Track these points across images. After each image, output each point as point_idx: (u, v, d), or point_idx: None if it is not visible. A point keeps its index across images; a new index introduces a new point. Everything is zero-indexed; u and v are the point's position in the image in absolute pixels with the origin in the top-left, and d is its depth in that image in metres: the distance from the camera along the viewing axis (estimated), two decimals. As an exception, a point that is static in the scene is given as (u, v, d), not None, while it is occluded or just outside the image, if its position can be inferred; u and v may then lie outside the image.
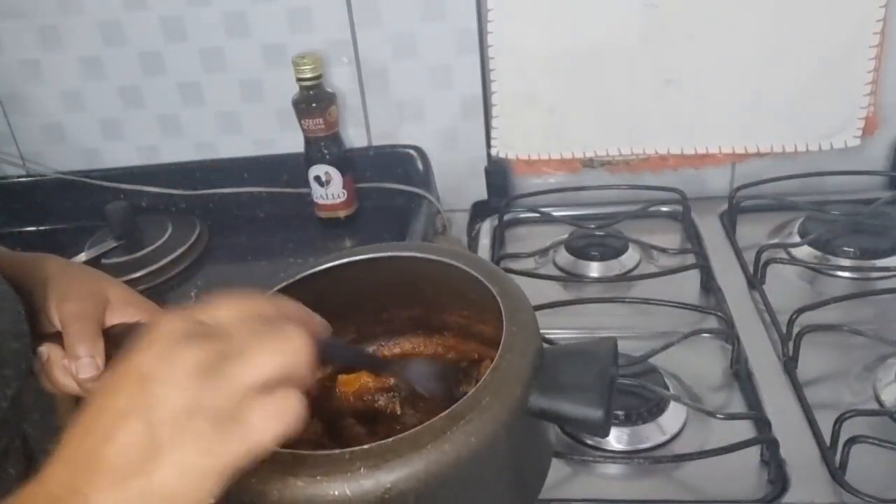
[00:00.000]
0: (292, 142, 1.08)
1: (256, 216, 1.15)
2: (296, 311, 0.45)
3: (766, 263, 0.88)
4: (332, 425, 0.55)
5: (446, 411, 0.42)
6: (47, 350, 0.56)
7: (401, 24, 1.03)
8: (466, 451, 0.41)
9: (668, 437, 0.71)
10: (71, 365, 0.54)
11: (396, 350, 0.62)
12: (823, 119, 0.99)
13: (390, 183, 1.11)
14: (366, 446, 0.41)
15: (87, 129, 1.15)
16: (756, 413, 0.72)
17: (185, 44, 1.07)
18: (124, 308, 0.58)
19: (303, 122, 1.03)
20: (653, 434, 0.71)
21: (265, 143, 1.14)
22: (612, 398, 0.46)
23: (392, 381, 0.57)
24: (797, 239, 0.94)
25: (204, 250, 1.08)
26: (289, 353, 0.39)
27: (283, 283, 0.55)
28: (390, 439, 0.41)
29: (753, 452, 0.68)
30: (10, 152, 1.18)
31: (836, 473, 0.64)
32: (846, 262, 0.90)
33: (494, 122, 1.06)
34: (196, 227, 1.10)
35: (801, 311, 0.78)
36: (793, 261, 0.90)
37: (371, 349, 0.62)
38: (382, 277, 0.57)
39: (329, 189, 1.06)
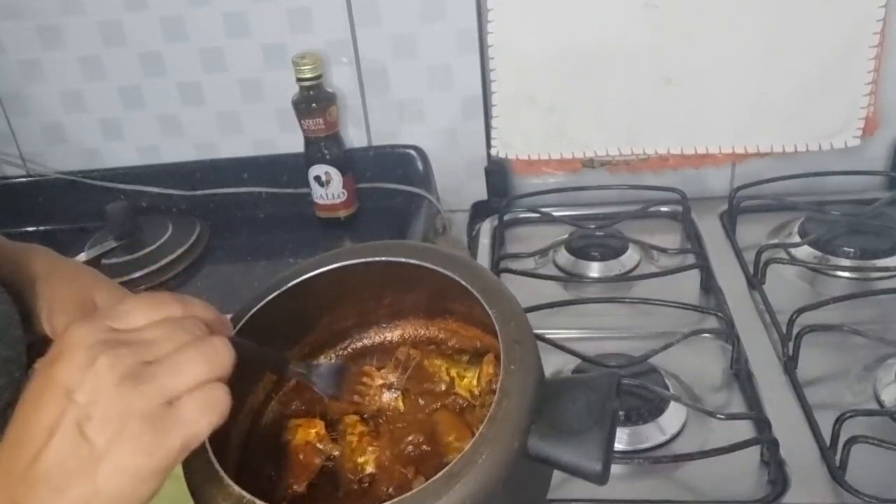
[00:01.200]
0: (292, 142, 1.08)
1: (256, 216, 1.15)
2: (203, 310, 0.45)
3: (766, 263, 0.88)
4: (335, 424, 0.55)
5: (443, 470, 0.42)
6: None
7: (401, 24, 1.03)
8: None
9: (668, 437, 0.71)
10: None
11: (397, 333, 0.61)
12: (823, 119, 0.99)
13: (390, 183, 1.11)
14: None
15: (87, 129, 1.15)
16: (756, 413, 0.72)
17: (185, 44, 1.07)
18: None
19: (303, 122, 1.03)
20: (653, 434, 0.71)
21: (265, 143, 1.14)
22: (611, 441, 0.45)
23: (396, 377, 0.56)
24: (797, 239, 0.94)
25: (204, 250, 1.08)
26: (213, 363, 0.40)
27: (273, 294, 0.54)
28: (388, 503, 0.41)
29: (753, 452, 0.68)
30: (10, 152, 1.18)
31: (836, 473, 0.64)
32: (846, 262, 0.90)
33: (494, 122, 1.06)
34: (196, 227, 1.10)
35: (801, 311, 0.78)
36: (793, 261, 0.90)
37: (371, 331, 0.61)
38: (382, 274, 0.56)
39: (329, 189, 1.06)
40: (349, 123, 1.10)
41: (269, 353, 0.51)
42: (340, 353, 0.61)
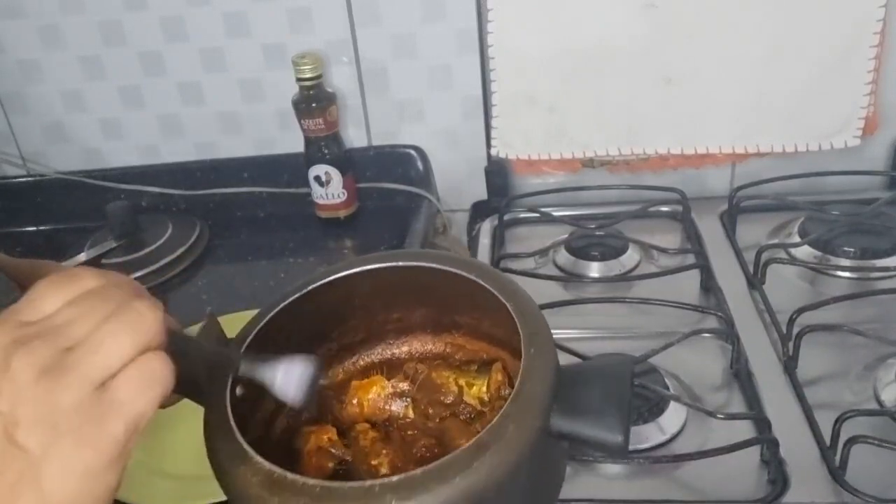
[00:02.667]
0: (292, 142, 1.08)
1: (256, 216, 1.15)
2: (126, 281, 0.41)
3: (766, 263, 0.88)
4: (346, 431, 0.55)
5: (472, 440, 0.43)
6: None
7: (401, 24, 1.03)
8: (492, 481, 0.42)
9: (668, 437, 0.71)
10: None
11: (405, 349, 0.62)
12: (823, 119, 0.99)
13: (390, 183, 1.11)
14: (394, 478, 0.41)
15: (87, 129, 1.15)
16: (756, 413, 0.72)
17: (185, 44, 1.07)
18: None
19: (303, 122, 1.03)
20: (653, 434, 0.71)
21: (265, 143, 1.14)
22: (630, 418, 0.46)
23: (405, 385, 0.57)
24: (797, 239, 0.95)
25: (204, 250, 1.08)
26: (139, 331, 0.37)
27: (287, 301, 0.54)
28: (418, 471, 0.41)
29: (753, 452, 0.68)
30: (10, 152, 1.18)
31: (836, 473, 0.64)
32: (846, 262, 0.90)
33: (494, 122, 1.06)
34: (196, 227, 1.10)
35: (801, 311, 0.78)
36: (793, 261, 0.90)
37: (379, 347, 0.62)
38: (392, 282, 0.57)
39: (329, 189, 1.06)
40: (349, 123, 1.10)
41: (211, 349, 0.48)
42: (349, 367, 0.62)
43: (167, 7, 1.05)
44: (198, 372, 0.46)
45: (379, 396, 0.57)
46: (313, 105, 1.02)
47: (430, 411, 0.56)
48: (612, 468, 0.69)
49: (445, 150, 1.11)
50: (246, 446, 0.44)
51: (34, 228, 1.19)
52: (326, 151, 1.05)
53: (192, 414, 0.81)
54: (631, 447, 0.70)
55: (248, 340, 0.51)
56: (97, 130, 1.15)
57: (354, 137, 1.12)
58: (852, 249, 0.90)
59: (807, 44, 0.96)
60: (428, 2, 1.01)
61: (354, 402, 0.57)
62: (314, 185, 1.07)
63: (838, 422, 0.66)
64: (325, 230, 1.09)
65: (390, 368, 0.60)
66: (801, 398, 0.72)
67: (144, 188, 1.15)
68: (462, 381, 0.56)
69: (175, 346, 0.40)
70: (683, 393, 0.75)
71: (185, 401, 0.85)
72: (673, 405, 0.72)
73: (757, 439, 0.68)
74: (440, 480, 0.41)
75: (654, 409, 0.72)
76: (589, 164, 1.08)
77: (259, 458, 0.44)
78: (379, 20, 1.03)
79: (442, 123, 1.09)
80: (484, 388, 0.55)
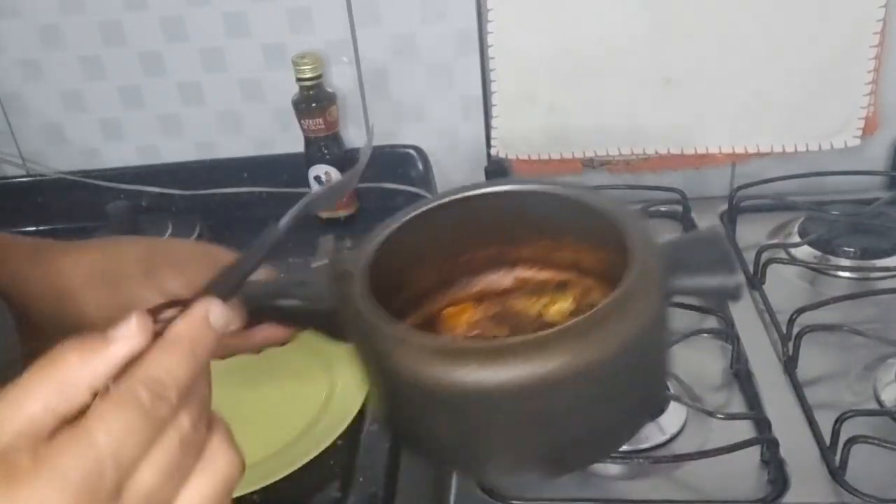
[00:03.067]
0: (292, 142, 1.08)
1: (256, 216, 1.15)
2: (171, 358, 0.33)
3: (766, 263, 0.88)
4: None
5: (610, 297, 0.46)
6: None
7: (401, 24, 1.03)
8: (648, 321, 0.47)
9: (668, 436, 0.71)
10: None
11: (475, 289, 0.64)
12: (823, 119, 0.99)
13: (390, 183, 1.11)
14: (563, 326, 0.45)
15: (87, 129, 1.15)
16: (756, 413, 0.72)
17: (185, 44, 1.07)
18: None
19: (303, 122, 1.03)
20: (653, 434, 0.71)
21: (265, 143, 1.14)
22: (736, 263, 0.53)
23: (495, 308, 0.60)
24: (797, 239, 0.94)
25: (204, 250, 1.08)
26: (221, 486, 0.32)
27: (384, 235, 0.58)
28: (580, 318, 0.45)
29: (753, 452, 0.68)
30: (10, 152, 1.18)
31: (836, 473, 0.64)
32: (846, 262, 0.90)
33: (494, 122, 1.06)
34: (196, 227, 1.10)
35: (801, 311, 0.78)
36: (793, 261, 0.90)
37: (451, 290, 0.64)
38: (463, 217, 0.60)
39: (329, 189, 1.06)
40: (349, 123, 1.10)
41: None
42: (424, 313, 0.63)
43: (167, 7, 1.05)
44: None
45: (471, 321, 0.60)
46: (313, 105, 1.02)
47: (526, 326, 0.58)
48: (612, 468, 0.69)
49: (445, 150, 1.11)
50: (404, 326, 0.48)
51: (34, 228, 1.18)
52: (326, 151, 1.05)
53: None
54: (631, 447, 0.70)
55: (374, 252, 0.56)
56: (97, 130, 1.15)
57: (354, 137, 1.12)
58: (852, 249, 0.90)
59: (807, 44, 0.96)
60: (428, 2, 1.01)
61: (448, 328, 0.59)
62: (314, 185, 1.07)
63: (838, 422, 0.66)
64: (325, 230, 1.09)
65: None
66: (801, 398, 0.73)
67: (144, 188, 1.15)
68: (540, 304, 0.60)
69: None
70: (683, 393, 0.75)
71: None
72: (673, 405, 0.72)
73: (757, 439, 0.68)
74: (577, 338, 0.44)
75: (654, 409, 0.72)
76: (589, 164, 1.08)
77: (423, 333, 0.48)
78: (379, 20, 1.03)
79: (442, 123, 1.09)
80: (568, 302, 0.59)
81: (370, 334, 0.47)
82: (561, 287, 0.61)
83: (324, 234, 0.56)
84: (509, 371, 0.43)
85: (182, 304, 0.37)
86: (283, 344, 0.59)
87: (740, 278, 0.52)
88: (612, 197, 0.56)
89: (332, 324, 0.53)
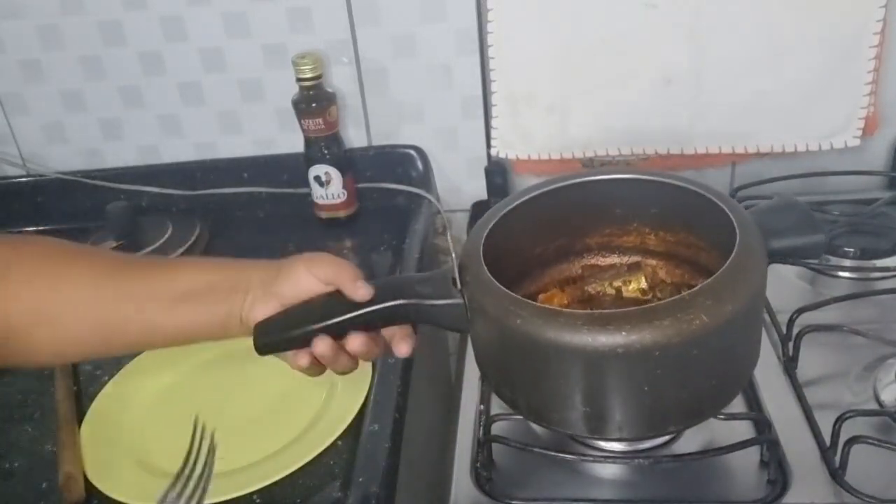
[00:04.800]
0: (292, 142, 1.08)
1: (256, 216, 1.15)
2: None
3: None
4: None
5: (726, 264, 0.54)
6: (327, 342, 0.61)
7: (401, 24, 1.03)
8: (752, 289, 0.55)
9: (668, 437, 0.71)
10: (350, 292, 0.60)
11: (545, 280, 0.72)
12: (823, 119, 0.99)
13: (390, 183, 1.11)
14: (690, 292, 0.53)
15: (87, 129, 1.15)
16: (756, 413, 0.72)
17: (185, 44, 1.07)
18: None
19: (303, 122, 1.03)
20: (653, 434, 0.71)
21: (265, 143, 1.14)
22: (818, 221, 0.60)
23: (576, 293, 0.69)
24: (797, 239, 0.94)
25: (204, 250, 1.07)
26: None
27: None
28: (702, 284, 0.53)
29: (753, 452, 0.68)
30: (10, 152, 1.18)
31: (836, 473, 0.64)
32: (846, 262, 0.90)
33: (494, 122, 1.06)
34: (196, 227, 1.10)
35: (801, 311, 0.78)
36: (793, 260, 0.90)
37: (526, 283, 0.71)
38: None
39: (329, 189, 1.06)
40: (349, 123, 1.10)
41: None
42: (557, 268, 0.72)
43: (167, 7, 1.05)
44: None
45: (562, 304, 0.67)
46: (313, 105, 1.02)
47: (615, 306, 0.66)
48: (612, 468, 0.69)
49: (445, 150, 1.11)
50: (546, 305, 0.56)
51: (34, 228, 1.18)
52: (326, 151, 1.05)
53: (192, 414, 0.81)
54: (631, 447, 0.70)
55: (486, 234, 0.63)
56: (97, 130, 1.15)
57: (354, 137, 1.12)
58: (852, 249, 0.90)
59: (807, 44, 0.96)
60: (428, 2, 1.01)
61: None
62: (314, 185, 1.07)
63: (838, 422, 0.66)
64: (325, 230, 1.09)
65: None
66: (801, 398, 0.73)
67: (144, 188, 1.15)
68: (616, 283, 0.67)
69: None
70: (683, 393, 0.75)
71: (183, 403, 0.85)
72: (673, 405, 0.72)
73: (757, 439, 0.68)
74: (729, 282, 0.54)
75: (654, 409, 0.72)
76: (589, 164, 1.08)
77: (569, 310, 0.53)
78: (379, 20, 1.03)
79: (442, 123, 1.09)
80: (643, 280, 0.67)
81: (511, 310, 0.54)
82: (633, 268, 0.68)
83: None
84: (654, 332, 0.50)
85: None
86: (372, 359, 0.65)
87: (825, 237, 0.59)
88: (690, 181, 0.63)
89: (455, 316, 0.60)
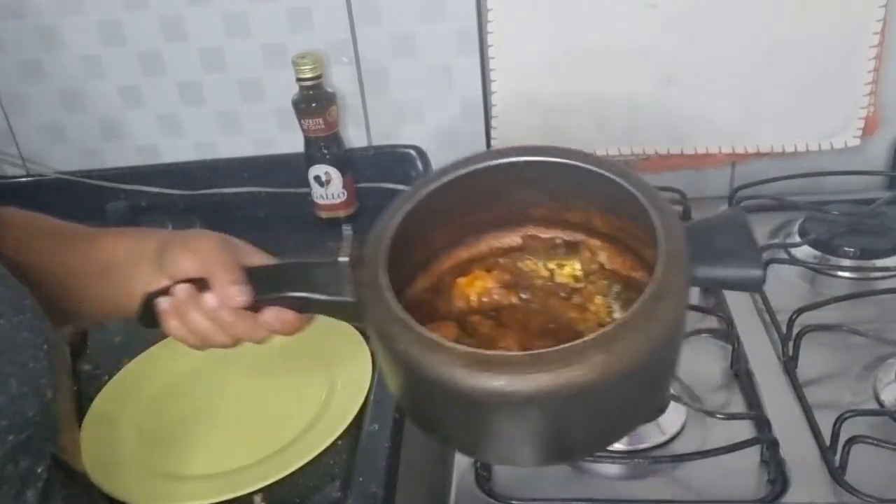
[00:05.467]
0: (292, 142, 1.08)
1: (256, 216, 1.15)
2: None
3: (767, 263, 0.88)
4: (464, 324, 0.58)
5: (641, 299, 0.47)
6: (186, 287, 0.57)
7: (401, 24, 1.03)
8: (669, 326, 0.47)
9: (668, 437, 0.71)
10: (218, 294, 0.56)
11: (483, 247, 0.65)
12: (823, 119, 0.99)
13: (390, 183, 1.11)
14: (593, 336, 0.45)
15: (87, 129, 1.15)
16: (756, 413, 0.72)
17: (185, 44, 1.07)
18: (250, 255, 0.60)
19: (303, 122, 1.03)
20: (653, 434, 0.71)
21: (265, 143, 1.14)
22: (760, 253, 0.51)
23: (507, 275, 0.61)
24: (797, 239, 0.94)
25: (204, 250, 1.07)
26: None
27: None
28: (611, 327, 0.46)
29: (753, 452, 0.68)
30: (10, 152, 1.18)
31: (836, 473, 0.64)
32: (846, 262, 0.90)
33: (494, 122, 1.06)
34: (196, 227, 1.10)
35: (801, 311, 0.78)
36: (793, 261, 0.90)
37: (458, 251, 0.65)
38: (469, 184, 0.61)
39: (329, 189, 1.06)
40: (349, 123, 1.10)
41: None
42: (434, 270, 0.64)
43: (167, 7, 1.05)
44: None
45: (483, 290, 0.60)
46: (313, 105, 1.02)
47: (527, 295, 0.59)
48: (612, 468, 0.69)
49: (445, 150, 1.11)
50: (432, 335, 0.48)
51: (34, 228, 1.18)
52: (326, 151, 1.05)
53: (192, 414, 0.81)
54: (631, 447, 0.70)
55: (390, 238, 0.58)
56: (97, 130, 1.15)
57: (354, 137, 1.12)
58: (852, 249, 0.90)
59: (807, 43, 0.96)
60: (428, 2, 1.01)
61: (461, 297, 0.59)
62: (314, 185, 1.07)
63: (838, 422, 0.66)
64: (325, 230, 1.09)
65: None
66: (801, 398, 0.73)
67: (144, 188, 1.15)
68: (552, 265, 0.61)
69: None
70: (683, 393, 0.75)
71: (184, 403, 0.85)
72: (673, 405, 0.72)
73: (757, 439, 0.68)
74: (631, 331, 0.45)
75: (654, 409, 0.72)
76: (589, 164, 1.08)
77: (454, 344, 0.47)
78: (379, 20, 1.03)
79: (442, 123, 1.09)
80: (577, 265, 0.60)
81: (396, 339, 0.49)
82: (571, 248, 0.61)
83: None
84: (533, 381, 0.44)
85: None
86: (291, 333, 0.59)
87: (761, 273, 0.50)
88: (633, 175, 0.57)
89: (347, 312, 0.56)
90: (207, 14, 1.05)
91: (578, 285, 0.60)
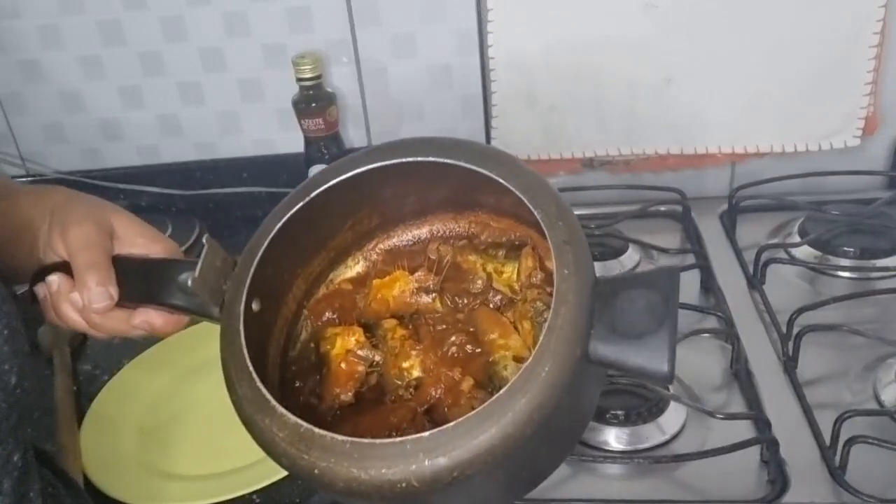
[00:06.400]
0: (292, 142, 1.08)
1: (256, 216, 1.13)
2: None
3: (766, 263, 0.88)
4: (373, 327, 0.54)
5: (507, 386, 0.40)
6: (57, 279, 0.53)
7: (401, 24, 1.03)
8: (529, 427, 0.40)
9: (668, 437, 0.71)
10: (82, 295, 0.52)
11: (425, 229, 0.58)
12: (823, 119, 0.99)
13: (390, 183, 1.11)
14: (426, 434, 0.40)
15: (87, 129, 1.15)
16: (756, 413, 0.72)
17: (185, 44, 1.07)
18: (132, 238, 0.56)
19: (303, 122, 1.03)
20: (653, 434, 0.71)
21: (265, 143, 1.14)
22: (675, 340, 0.42)
23: (430, 280, 0.54)
24: (797, 239, 0.94)
25: (204, 250, 1.08)
26: None
27: (292, 210, 0.53)
28: (451, 425, 0.40)
29: (753, 452, 0.68)
30: (10, 152, 1.18)
31: (836, 473, 0.64)
32: (846, 262, 0.90)
33: (494, 122, 1.06)
34: (196, 226, 1.10)
35: (801, 311, 0.78)
36: (793, 261, 0.90)
37: (398, 230, 0.59)
38: (402, 173, 0.52)
39: (329, 189, 1.06)
40: (349, 123, 1.10)
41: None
42: (368, 253, 0.58)
43: (167, 7, 1.05)
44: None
45: (403, 292, 0.54)
46: (313, 105, 1.02)
47: (458, 301, 0.53)
48: (612, 468, 0.69)
49: (445, 150, 1.11)
50: (268, 395, 0.44)
51: (34, 228, 1.18)
52: (326, 151, 1.05)
53: (191, 414, 0.81)
54: (631, 447, 0.70)
55: (257, 259, 0.50)
56: (97, 130, 1.15)
57: (354, 137, 1.12)
58: (852, 249, 0.90)
59: (807, 43, 0.96)
60: (428, 2, 1.01)
61: (378, 298, 0.55)
62: (314, 185, 1.06)
63: (838, 422, 0.66)
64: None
65: (412, 255, 0.57)
66: (801, 398, 0.72)
67: (144, 188, 1.15)
68: (490, 268, 0.54)
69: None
70: (683, 393, 0.75)
71: (183, 402, 0.85)
72: (673, 405, 0.72)
73: (757, 439, 0.68)
74: (473, 434, 0.40)
75: (653, 409, 0.72)
76: (589, 164, 1.08)
77: (283, 411, 0.43)
78: (379, 20, 1.03)
79: (442, 123, 1.09)
80: (514, 276, 0.53)
81: (236, 393, 0.45)
82: (513, 251, 0.54)
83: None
84: (343, 475, 0.40)
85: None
86: (165, 335, 0.56)
87: (668, 369, 0.41)
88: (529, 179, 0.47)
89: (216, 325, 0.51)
90: (207, 14, 1.05)
91: (515, 297, 0.52)
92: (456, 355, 0.51)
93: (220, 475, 0.71)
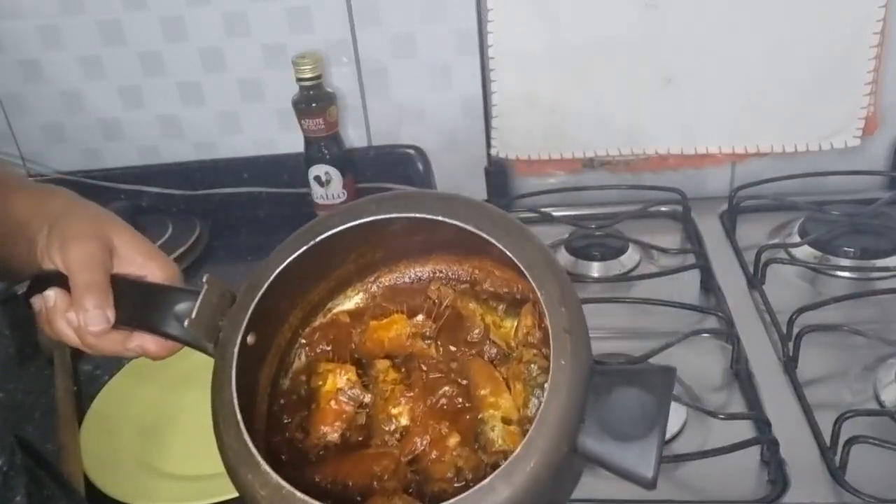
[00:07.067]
0: (292, 142, 1.08)
1: (256, 216, 1.15)
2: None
3: (766, 263, 0.88)
4: (366, 365, 0.53)
5: (493, 474, 0.41)
6: (54, 295, 0.52)
7: (401, 24, 1.03)
8: None
9: (668, 437, 0.71)
10: (78, 316, 0.51)
11: (428, 268, 0.57)
12: (823, 119, 0.99)
13: (390, 183, 1.11)
14: None
15: (87, 129, 1.15)
16: (756, 413, 0.72)
17: (185, 44, 1.07)
18: (131, 256, 0.55)
19: (303, 122, 1.03)
20: (653, 434, 0.70)
21: (265, 143, 1.14)
22: (663, 445, 0.43)
23: (427, 326, 0.54)
24: (797, 239, 0.95)
25: (204, 250, 1.08)
26: None
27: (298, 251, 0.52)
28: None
29: (753, 452, 0.68)
30: (10, 152, 1.18)
31: (836, 473, 0.64)
32: (846, 262, 0.90)
33: (494, 122, 1.06)
34: (196, 227, 1.10)
35: (801, 311, 0.78)
36: (793, 261, 0.90)
37: (401, 265, 0.58)
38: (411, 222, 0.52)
39: (329, 189, 1.06)
40: (349, 123, 1.10)
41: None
42: (369, 286, 0.58)
43: (167, 7, 1.05)
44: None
45: (400, 335, 0.54)
46: (313, 105, 1.02)
47: (454, 349, 0.53)
48: (612, 468, 0.69)
49: (445, 150, 1.11)
50: (254, 450, 0.43)
51: (34, 228, 1.18)
52: (326, 151, 1.05)
53: (191, 415, 0.82)
54: (631, 447, 0.70)
55: (256, 300, 0.49)
56: (97, 130, 1.15)
57: (354, 137, 1.12)
58: (852, 249, 0.90)
59: (807, 44, 0.96)
60: (428, 2, 1.01)
61: (374, 337, 0.54)
62: (314, 185, 1.07)
63: (838, 422, 0.66)
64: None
65: (412, 293, 0.57)
66: (801, 398, 0.72)
67: (144, 188, 1.15)
68: (489, 319, 0.53)
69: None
70: (683, 393, 0.75)
71: (183, 403, 0.85)
72: (673, 405, 0.72)
73: (757, 439, 0.68)
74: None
75: (654, 409, 0.72)
76: (589, 164, 1.08)
77: (267, 469, 0.43)
78: (379, 20, 1.03)
79: (442, 123, 1.09)
80: (511, 333, 0.52)
81: (223, 442, 0.45)
82: (514, 305, 0.53)
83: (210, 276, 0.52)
84: None
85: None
86: (159, 359, 0.56)
87: (652, 476, 0.43)
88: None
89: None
90: (207, 14, 1.05)
91: (510, 353, 0.52)
92: (445, 408, 0.50)
93: (220, 475, 0.71)
